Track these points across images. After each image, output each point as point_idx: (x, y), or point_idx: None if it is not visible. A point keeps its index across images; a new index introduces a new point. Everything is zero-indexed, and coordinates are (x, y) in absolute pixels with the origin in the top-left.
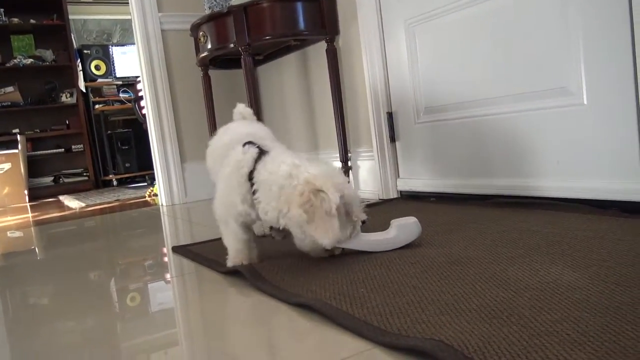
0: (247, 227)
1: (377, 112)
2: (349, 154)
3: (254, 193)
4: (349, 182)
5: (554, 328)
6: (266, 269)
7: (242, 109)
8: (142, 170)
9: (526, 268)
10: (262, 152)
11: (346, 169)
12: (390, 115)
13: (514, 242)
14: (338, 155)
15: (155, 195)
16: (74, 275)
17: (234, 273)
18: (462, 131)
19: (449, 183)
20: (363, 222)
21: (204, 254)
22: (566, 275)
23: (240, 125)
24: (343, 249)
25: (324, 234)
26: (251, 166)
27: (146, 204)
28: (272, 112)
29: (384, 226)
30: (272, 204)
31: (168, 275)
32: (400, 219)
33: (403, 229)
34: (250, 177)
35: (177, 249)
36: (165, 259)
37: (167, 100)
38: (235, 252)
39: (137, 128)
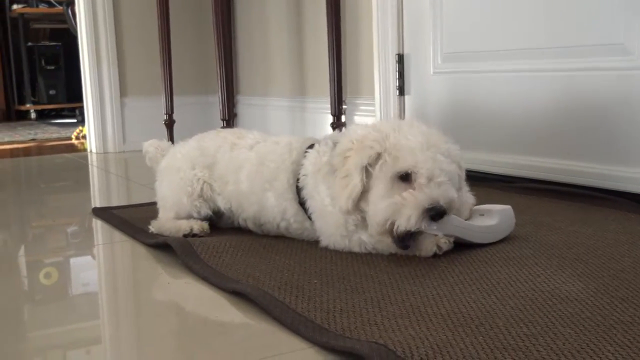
0: None
1: (384, 54)
2: (344, 106)
3: None
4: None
5: (526, 343)
6: (205, 245)
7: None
8: (73, 102)
9: (524, 272)
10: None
11: (339, 125)
12: (400, 59)
13: (525, 241)
14: (329, 106)
15: (85, 137)
16: None
17: (165, 247)
18: (496, 89)
19: (470, 157)
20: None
21: (133, 220)
22: (574, 287)
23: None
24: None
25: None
26: None
27: (71, 148)
28: (250, 45)
29: None
30: None
31: (86, 246)
32: (492, 205)
33: (504, 216)
34: None
35: (98, 212)
36: (83, 225)
37: (108, 8)
38: None
39: (70, 42)
